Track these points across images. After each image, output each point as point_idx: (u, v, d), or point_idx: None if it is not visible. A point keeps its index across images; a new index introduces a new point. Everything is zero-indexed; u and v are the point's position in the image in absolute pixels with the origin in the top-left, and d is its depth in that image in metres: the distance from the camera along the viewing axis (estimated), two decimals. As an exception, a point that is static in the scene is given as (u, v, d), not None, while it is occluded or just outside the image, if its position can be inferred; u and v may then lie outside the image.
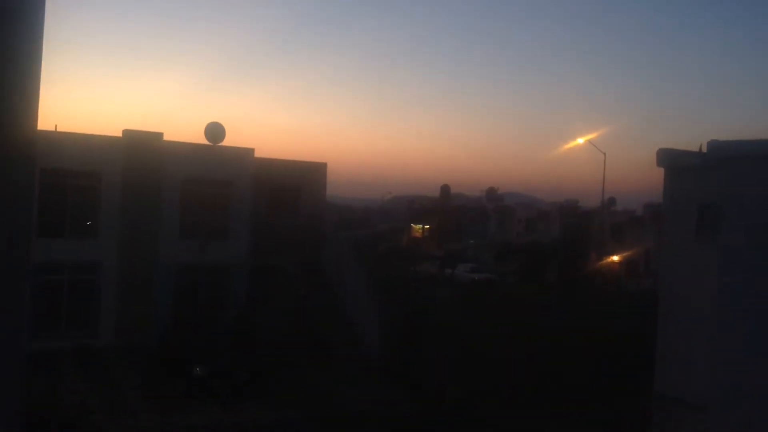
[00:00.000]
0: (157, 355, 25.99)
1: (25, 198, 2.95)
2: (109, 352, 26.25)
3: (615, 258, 54.45)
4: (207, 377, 23.66)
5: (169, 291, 28.96)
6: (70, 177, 27.29)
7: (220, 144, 30.84)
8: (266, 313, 28.50)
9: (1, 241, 2.86)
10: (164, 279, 28.82)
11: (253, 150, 31.15)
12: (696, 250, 18.62)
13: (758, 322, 17.11)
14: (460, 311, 32.41)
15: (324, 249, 33.22)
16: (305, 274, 31.37)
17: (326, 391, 24.24)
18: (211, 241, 29.18)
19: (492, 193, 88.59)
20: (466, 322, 29.79)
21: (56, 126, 28.74)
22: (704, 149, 18.64)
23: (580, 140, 56.87)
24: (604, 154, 62.77)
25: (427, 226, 78.52)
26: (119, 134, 28.92)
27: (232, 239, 30.27)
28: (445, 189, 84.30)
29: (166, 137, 29.41)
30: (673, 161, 19.33)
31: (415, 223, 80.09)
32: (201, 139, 30.73)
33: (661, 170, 19.71)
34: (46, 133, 26.53)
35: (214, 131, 30.92)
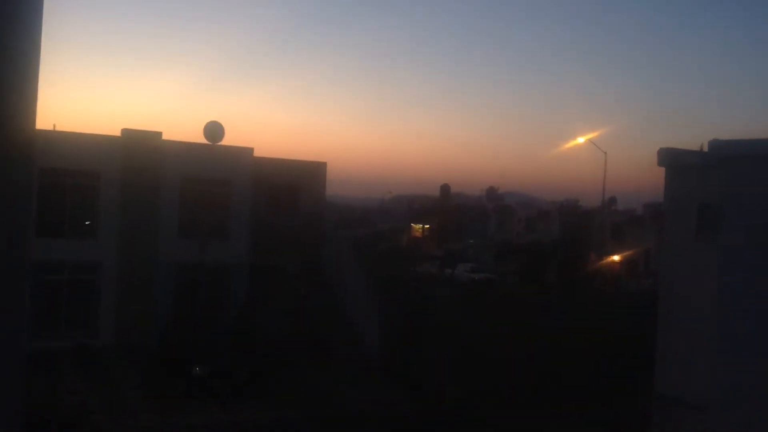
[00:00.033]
0: (157, 355, 25.98)
1: (24, 198, 2.94)
2: (109, 352, 26.25)
3: (615, 258, 54.40)
4: (207, 377, 23.65)
5: (168, 291, 28.94)
6: (69, 176, 27.28)
7: (220, 143, 30.83)
8: (266, 313, 28.48)
9: (1, 241, 2.84)
10: (164, 279, 28.81)
11: (252, 149, 31.17)
12: (696, 250, 18.63)
13: (758, 322, 17.12)
14: (460, 311, 32.35)
15: (324, 248, 33.22)
16: (305, 273, 31.36)
17: (326, 391, 24.24)
18: (210, 241, 29.15)
19: (492, 193, 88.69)
20: (466, 322, 29.74)
21: (55, 125, 28.72)
22: (705, 149, 18.65)
23: (581, 139, 56.77)
24: (605, 153, 62.75)
25: (427, 226, 78.56)
26: (118, 133, 28.92)
27: (231, 239, 30.24)
28: (445, 188, 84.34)
29: (165, 136, 29.45)
30: (673, 160, 19.34)
31: (415, 223, 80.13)
32: (200, 138, 30.76)
33: (662, 170, 19.73)
34: (45, 133, 26.50)
35: (214, 130, 30.89)
